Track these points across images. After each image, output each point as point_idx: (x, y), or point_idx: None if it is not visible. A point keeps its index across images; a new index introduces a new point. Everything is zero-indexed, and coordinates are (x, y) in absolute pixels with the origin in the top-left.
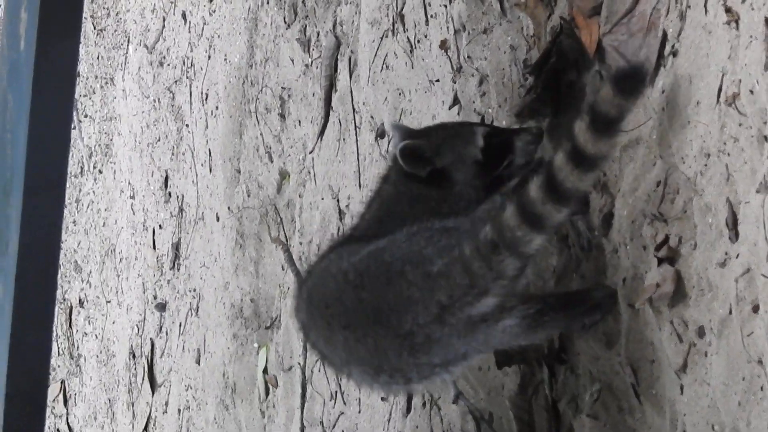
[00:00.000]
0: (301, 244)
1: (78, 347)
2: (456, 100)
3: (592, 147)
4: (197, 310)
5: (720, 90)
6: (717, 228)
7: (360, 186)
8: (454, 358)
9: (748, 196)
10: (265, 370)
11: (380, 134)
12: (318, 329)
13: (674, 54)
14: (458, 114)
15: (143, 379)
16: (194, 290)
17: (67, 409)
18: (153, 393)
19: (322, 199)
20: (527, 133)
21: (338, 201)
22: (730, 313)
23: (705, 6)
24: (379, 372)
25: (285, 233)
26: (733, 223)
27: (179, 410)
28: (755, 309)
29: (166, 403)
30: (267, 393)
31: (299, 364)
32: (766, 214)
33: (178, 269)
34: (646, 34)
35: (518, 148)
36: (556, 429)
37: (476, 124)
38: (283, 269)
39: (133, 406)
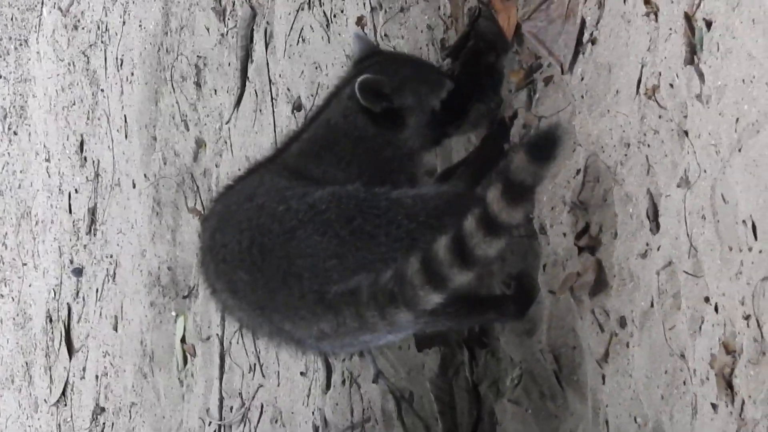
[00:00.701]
0: None
1: None
2: None
3: (505, 215)
4: (114, 277)
5: (639, 81)
6: (638, 218)
7: None
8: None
9: (669, 189)
10: (183, 339)
11: (297, 107)
12: (210, 270)
13: (593, 42)
14: None
15: (60, 343)
16: (111, 256)
17: None
18: (70, 358)
19: (239, 169)
20: (484, 104)
21: None
22: (652, 305)
23: None
24: (255, 333)
25: (202, 202)
26: (654, 215)
27: (97, 376)
28: (677, 303)
29: (84, 369)
30: (185, 362)
31: (217, 335)
32: (688, 209)
33: (95, 234)
34: (565, 21)
35: (471, 116)
36: (477, 411)
37: (444, 75)
38: (200, 238)
39: (50, 370)
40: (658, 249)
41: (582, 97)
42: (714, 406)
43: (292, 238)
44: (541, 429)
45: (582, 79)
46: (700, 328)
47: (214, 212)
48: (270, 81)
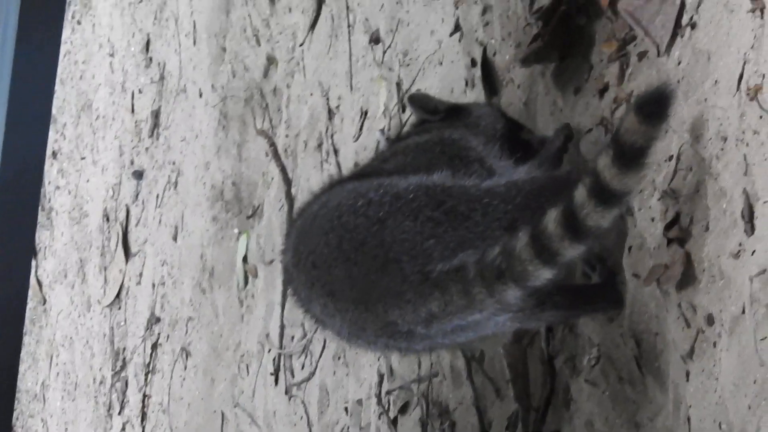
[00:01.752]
0: (287, 136)
1: (50, 200)
2: (458, 27)
3: (617, 183)
4: (176, 185)
5: (741, 77)
6: (732, 216)
7: (351, 88)
8: (438, 345)
9: (767, 194)
10: (244, 259)
11: (375, 39)
12: (300, 282)
13: (692, 26)
14: (459, 41)
15: (117, 245)
16: (173, 163)
17: (36, 262)
18: (127, 261)
19: (311, 94)
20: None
21: (328, 99)
22: (743, 312)
23: None
24: (358, 337)
25: (270, 121)
26: (749, 216)
27: (153, 284)
28: None
29: (140, 275)
30: (246, 282)
31: (281, 260)
32: None
33: (158, 138)
34: (663, 1)
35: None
36: (551, 384)
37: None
38: (267, 156)
39: (105, 270)
40: (753, 254)
41: (678, 81)
42: None
43: (383, 227)
44: (618, 413)
45: (679, 63)
46: None
47: (293, 229)
48: (347, 7)
